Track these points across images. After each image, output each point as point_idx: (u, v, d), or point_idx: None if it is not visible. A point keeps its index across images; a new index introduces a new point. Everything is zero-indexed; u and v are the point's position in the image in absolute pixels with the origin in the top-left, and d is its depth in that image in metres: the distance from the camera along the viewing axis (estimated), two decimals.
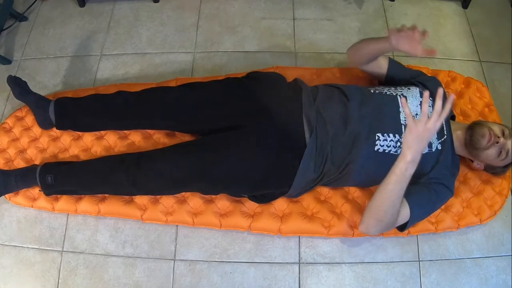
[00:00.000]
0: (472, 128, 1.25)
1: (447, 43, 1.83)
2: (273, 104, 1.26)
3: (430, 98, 1.13)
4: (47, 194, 1.37)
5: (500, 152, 1.21)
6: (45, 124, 1.48)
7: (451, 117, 1.36)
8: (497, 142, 1.20)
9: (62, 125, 1.46)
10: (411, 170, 1.06)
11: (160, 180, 1.26)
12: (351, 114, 1.21)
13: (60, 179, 1.33)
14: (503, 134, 1.22)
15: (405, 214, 1.16)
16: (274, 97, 1.29)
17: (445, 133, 1.24)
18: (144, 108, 1.36)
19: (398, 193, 1.09)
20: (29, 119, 1.56)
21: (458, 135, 1.27)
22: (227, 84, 1.36)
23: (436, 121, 1.01)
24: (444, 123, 1.25)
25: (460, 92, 1.60)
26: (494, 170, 1.34)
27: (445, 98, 1.32)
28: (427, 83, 1.34)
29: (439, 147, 1.22)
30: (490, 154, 1.22)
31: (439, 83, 1.39)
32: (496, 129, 1.22)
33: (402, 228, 1.21)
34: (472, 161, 1.34)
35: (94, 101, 1.42)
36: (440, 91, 1.02)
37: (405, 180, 1.07)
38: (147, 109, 1.36)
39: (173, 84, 1.59)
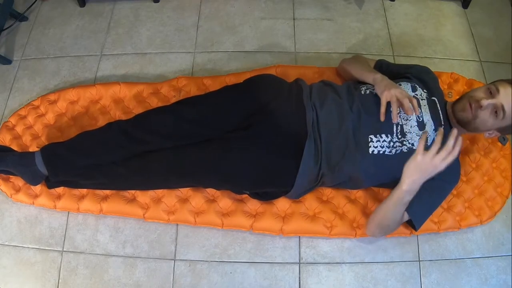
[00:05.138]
0: (453, 108, 1.23)
1: (447, 43, 1.84)
2: (273, 106, 1.25)
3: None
4: (49, 186, 1.37)
5: (496, 112, 1.12)
6: (36, 179, 1.31)
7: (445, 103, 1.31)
8: (481, 106, 1.12)
9: (57, 174, 1.29)
10: (408, 198, 1.12)
11: (161, 169, 1.24)
12: (344, 115, 1.21)
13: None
14: (490, 93, 1.13)
15: (404, 216, 1.21)
16: (274, 98, 1.26)
17: (443, 123, 1.22)
18: (145, 136, 1.24)
19: (398, 212, 1.16)
20: (31, 118, 1.56)
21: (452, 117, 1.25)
22: (225, 94, 1.29)
23: (443, 159, 1.03)
24: (440, 112, 1.23)
25: (462, 93, 1.58)
26: (509, 131, 1.19)
27: (442, 97, 1.33)
28: (421, 76, 1.32)
29: None
30: (484, 119, 1.14)
31: (434, 75, 1.37)
32: (478, 94, 1.15)
33: (413, 227, 1.24)
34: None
35: (85, 140, 1.28)
36: (454, 132, 1.03)
37: (403, 204, 1.14)
38: (147, 136, 1.24)
39: (174, 83, 1.60)
